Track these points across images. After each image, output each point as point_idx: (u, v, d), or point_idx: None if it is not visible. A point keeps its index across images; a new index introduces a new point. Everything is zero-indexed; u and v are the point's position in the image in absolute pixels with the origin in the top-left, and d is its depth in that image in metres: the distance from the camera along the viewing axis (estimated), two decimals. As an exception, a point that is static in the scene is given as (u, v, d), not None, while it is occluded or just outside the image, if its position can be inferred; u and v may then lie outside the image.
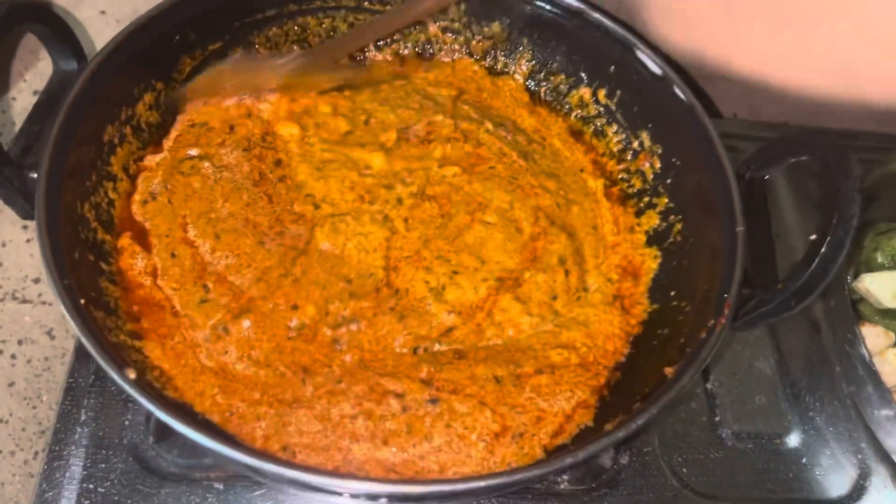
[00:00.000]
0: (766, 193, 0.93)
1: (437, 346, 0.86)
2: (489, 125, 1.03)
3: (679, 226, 0.96)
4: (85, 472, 0.86)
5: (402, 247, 0.92)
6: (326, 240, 0.90)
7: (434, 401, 0.81)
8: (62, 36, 0.91)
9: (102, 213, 0.87)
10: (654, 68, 0.98)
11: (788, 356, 1.06)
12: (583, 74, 1.08)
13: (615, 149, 1.07)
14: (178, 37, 0.96)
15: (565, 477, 0.93)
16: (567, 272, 0.94)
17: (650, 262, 0.97)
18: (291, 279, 0.87)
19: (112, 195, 0.89)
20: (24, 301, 1.17)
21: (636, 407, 0.76)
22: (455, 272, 0.90)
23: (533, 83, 1.13)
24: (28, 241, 1.18)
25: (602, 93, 1.07)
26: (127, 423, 0.90)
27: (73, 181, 0.83)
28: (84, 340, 0.68)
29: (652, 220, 1.00)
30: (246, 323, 0.83)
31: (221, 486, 0.87)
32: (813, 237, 0.78)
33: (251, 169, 0.95)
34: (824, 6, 1.17)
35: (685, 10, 1.29)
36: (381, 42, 1.13)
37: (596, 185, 1.03)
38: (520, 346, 0.89)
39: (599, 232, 1.00)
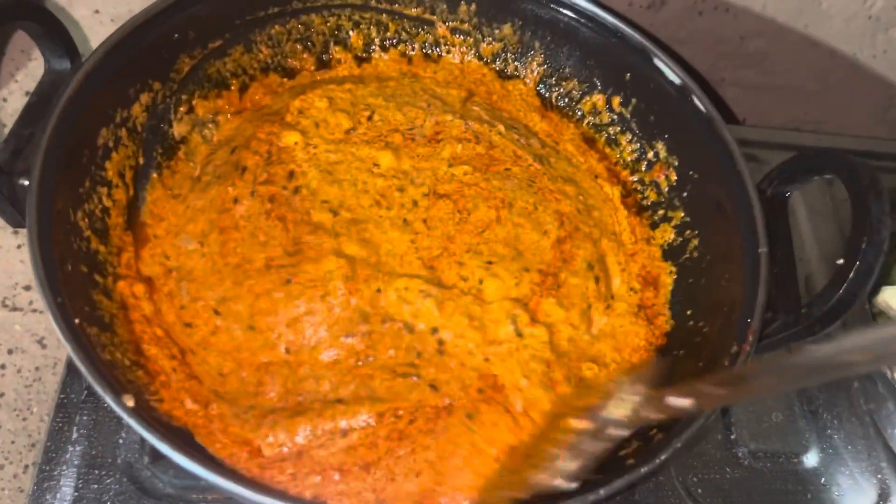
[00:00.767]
0: (787, 211, 0.90)
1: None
2: (501, 127, 1.00)
3: (695, 241, 0.93)
4: (76, 494, 0.83)
5: (430, 246, 0.88)
6: (357, 252, 0.86)
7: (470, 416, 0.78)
8: (55, 34, 0.87)
9: (96, 222, 0.83)
10: (672, 77, 0.94)
11: (805, 372, 1.04)
12: (596, 81, 1.05)
13: (629, 158, 1.04)
14: (176, 35, 0.92)
15: (577, 498, 0.90)
16: (597, 279, 0.90)
17: (665, 276, 0.94)
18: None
19: (106, 202, 0.85)
20: (15, 309, 1.13)
21: (655, 436, 0.73)
22: (490, 262, 0.87)
23: (544, 88, 1.10)
24: (19, 246, 1.14)
25: (616, 100, 1.04)
26: (121, 441, 0.86)
27: (66, 188, 0.78)
28: (80, 366, 0.64)
29: (667, 234, 0.97)
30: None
31: (219, 509, 0.84)
32: (840, 261, 0.76)
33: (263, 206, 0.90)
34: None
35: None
36: (387, 42, 1.09)
37: (613, 191, 1.00)
38: (557, 349, 0.85)
39: (619, 238, 0.97)
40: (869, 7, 1.22)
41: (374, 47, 1.09)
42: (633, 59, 0.98)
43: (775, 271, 0.81)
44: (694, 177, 0.96)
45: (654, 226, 0.99)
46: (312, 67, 1.07)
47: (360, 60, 1.09)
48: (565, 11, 1.01)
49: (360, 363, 0.80)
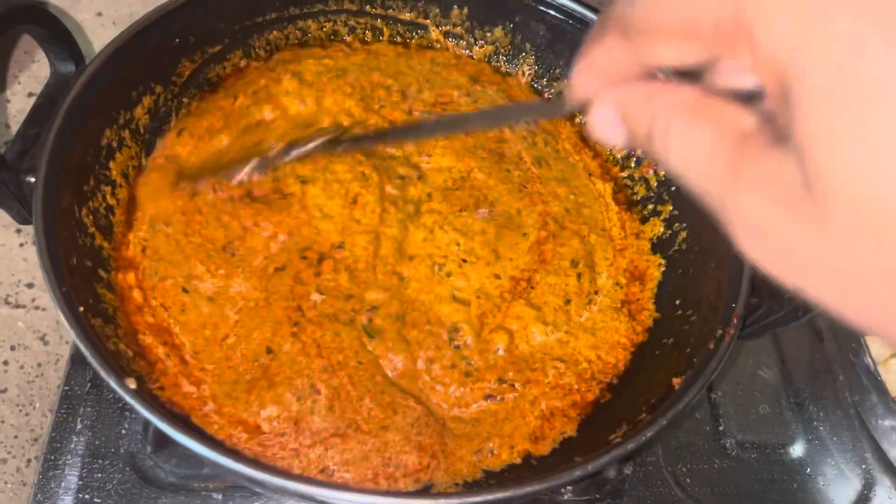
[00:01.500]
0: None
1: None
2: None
3: (684, 234, 0.95)
4: (80, 482, 0.85)
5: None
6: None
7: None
8: (59, 38, 0.89)
9: (100, 219, 0.86)
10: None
11: (792, 365, 1.06)
12: (586, 80, 1.07)
13: (618, 155, 1.06)
14: (177, 40, 0.95)
15: (569, 488, 0.91)
16: (580, 275, 0.93)
17: (654, 269, 0.96)
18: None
19: (110, 200, 0.88)
20: (17, 306, 1.15)
21: (643, 418, 0.75)
22: (464, 260, 0.89)
23: (536, 88, 1.12)
24: (21, 245, 1.16)
25: (605, 99, 1.06)
26: (124, 431, 0.88)
27: (71, 186, 0.81)
28: (83, 349, 0.66)
29: (656, 227, 0.99)
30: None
31: (220, 497, 0.85)
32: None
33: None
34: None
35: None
36: (382, 37, 1.11)
37: (605, 188, 1.02)
38: (521, 355, 0.87)
39: (608, 234, 0.99)
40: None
41: (367, 39, 1.11)
42: (621, 58, 1.00)
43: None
44: (681, 171, 0.97)
45: (643, 220, 1.01)
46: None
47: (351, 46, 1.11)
48: (555, 13, 1.03)
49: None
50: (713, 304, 0.83)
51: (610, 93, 0.41)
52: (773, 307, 0.81)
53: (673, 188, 0.98)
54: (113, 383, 0.65)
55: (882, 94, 0.28)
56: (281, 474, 0.66)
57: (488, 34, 1.10)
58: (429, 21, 1.10)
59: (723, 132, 0.35)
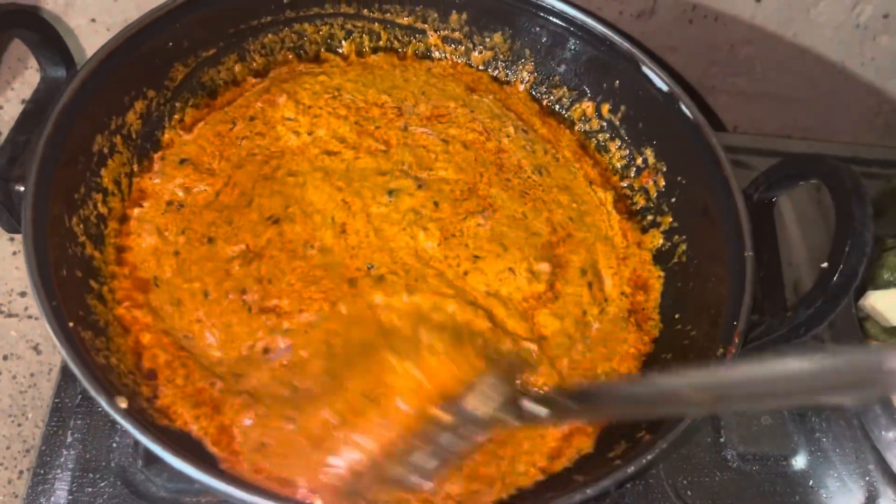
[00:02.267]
0: (773, 216, 0.91)
1: None
2: (510, 129, 1.01)
3: (683, 246, 0.94)
4: (70, 497, 0.83)
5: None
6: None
7: None
8: (51, 42, 0.88)
9: (91, 228, 0.84)
10: (660, 84, 0.96)
11: (794, 376, 1.04)
12: (586, 88, 1.06)
13: (618, 164, 1.04)
14: (170, 44, 0.93)
15: (568, 501, 0.90)
16: (590, 284, 0.91)
17: (654, 281, 0.95)
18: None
19: (102, 209, 0.86)
20: (10, 315, 1.14)
21: (643, 437, 0.73)
22: (476, 256, 0.88)
23: (535, 95, 1.11)
24: (14, 253, 1.14)
25: (606, 107, 1.05)
26: (115, 445, 0.87)
27: (61, 194, 0.79)
28: (74, 369, 0.65)
29: (656, 239, 0.98)
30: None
31: (213, 512, 0.84)
32: (824, 265, 0.76)
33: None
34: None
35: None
36: (380, 50, 1.10)
37: (606, 196, 1.01)
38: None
39: (612, 242, 0.97)
40: (857, 16, 1.23)
41: (365, 51, 1.10)
42: (621, 66, 0.99)
43: (761, 275, 0.82)
44: (682, 182, 0.97)
45: (643, 230, 1.00)
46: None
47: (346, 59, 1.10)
48: (555, 20, 1.02)
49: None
50: (714, 320, 0.82)
51: None
52: (774, 324, 0.80)
53: (673, 199, 0.97)
54: (104, 403, 0.64)
55: None
56: (273, 497, 0.64)
57: (487, 40, 1.08)
58: (427, 26, 1.08)
59: None
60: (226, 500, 0.82)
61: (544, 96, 1.10)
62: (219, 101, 1.00)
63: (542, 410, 0.64)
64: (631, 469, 0.66)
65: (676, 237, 0.96)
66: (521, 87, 1.10)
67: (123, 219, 0.88)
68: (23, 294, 1.15)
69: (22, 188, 0.75)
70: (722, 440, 0.99)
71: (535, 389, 0.81)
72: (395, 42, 1.10)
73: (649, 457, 0.67)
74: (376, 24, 1.08)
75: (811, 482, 0.98)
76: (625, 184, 1.03)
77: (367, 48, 1.10)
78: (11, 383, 1.13)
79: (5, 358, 1.13)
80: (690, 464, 0.97)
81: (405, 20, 1.08)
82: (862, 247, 0.72)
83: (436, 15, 1.07)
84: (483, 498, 0.74)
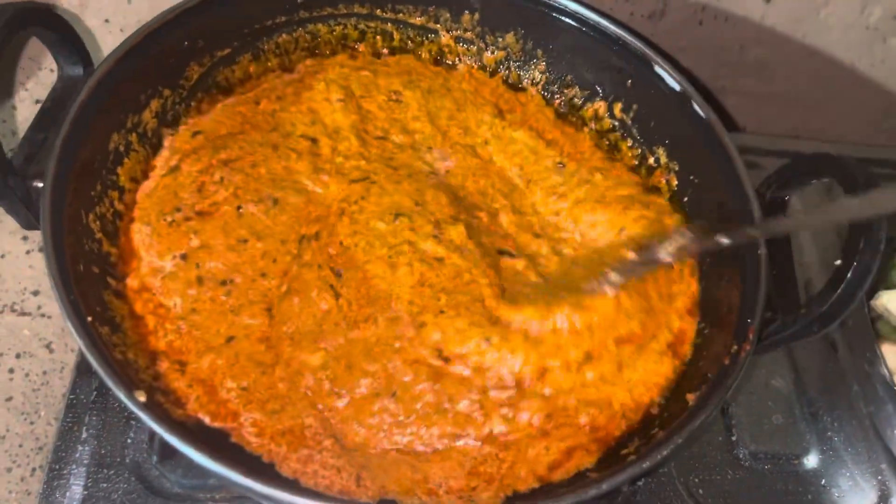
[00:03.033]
0: (786, 214, 0.91)
1: None
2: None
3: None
4: (85, 493, 0.84)
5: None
6: None
7: None
8: (68, 41, 0.89)
9: (108, 225, 0.85)
10: (673, 84, 0.96)
11: (805, 375, 1.05)
12: (598, 88, 1.06)
13: (630, 164, 1.04)
14: (186, 43, 0.94)
15: (581, 500, 0.90)
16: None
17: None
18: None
19: (118, 206, 0.87)
20: (23, 314, 1.14)
21: (656, 434, 0.73)
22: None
23: (546, 95, 1.11)
24: (27, 252, 1.15)
25: (618, 107, 1.05)
26: (129, 441, 0.87)
27: (79, 190, 0.80)
28: (93, 361, 0.65)
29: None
30: None
31: (227, 508, 0.84)
32: (838, 262, 0.76)
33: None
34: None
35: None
36: (395, 51, 1.11)
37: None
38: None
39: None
40: (867, 17, 1.23)
41: (382, 52, 1.11)
42: (634, 66, 1.00)
43: (774, 273, 0.82)
44: (694, 181, 0.97)
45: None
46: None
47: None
48: (567, 20, 1.02)
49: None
50: (727, 318, 0.82)
51: None
52: (787, 321, 0.80)
53: (686, 199, 0.97)
54: (122, 396, 0.64)
55: None
56: (293, 490, 0.64)
57: (500, 40, 1.09)
58: (439, 26, 1.09)
59: None
60: (239, 494, 0.84)
61: (556, 96, 1.10)
62: (237, 90, 1.02)
63: (726, 239, 0.80)
64: (646, 464, 0.66)
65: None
66: (534, 91, 1.10)
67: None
68: (35, 293, 1.15)
69: (40, 184, 0.76)
70: (734, 439, 0.99)
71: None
72: (409, 42, 1.10)
73: (665, 452, 0.67)
74: (389, 24, 1.08)
75: (823, 481, 0.98)
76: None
77: (382, 50, 1.10)
78: (24, 381, 1.13)
79: (18, 356, 1.13)
80: (702, 462, 0.97)
81: (418, 20, 1.08)
82: (876, 244, 0.72)
83: (448, 15, 1.07)
84: (481, 494, 0.74)
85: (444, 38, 1.09)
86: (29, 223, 0.81)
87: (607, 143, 1.07)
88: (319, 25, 1.06)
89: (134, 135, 0.90)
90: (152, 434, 0.87)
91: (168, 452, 0.86)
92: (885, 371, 0.96)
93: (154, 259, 0.84)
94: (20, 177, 0.79)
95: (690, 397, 0.75)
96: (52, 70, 1.01)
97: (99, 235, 0.83)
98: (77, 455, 0.86)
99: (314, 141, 0.95)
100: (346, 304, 0.84)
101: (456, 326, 0.82)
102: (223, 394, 0.78)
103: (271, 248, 0.87)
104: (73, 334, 0.67)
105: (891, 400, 0.96)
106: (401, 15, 1.08)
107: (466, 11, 1.07)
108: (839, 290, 0.75)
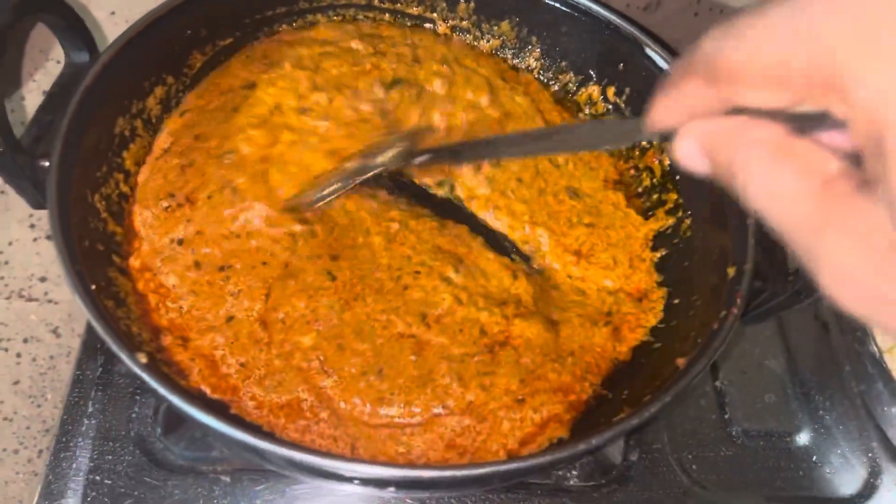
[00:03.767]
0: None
1: None
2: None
3: (688, 221, 0.96)
4: (91, 464, 0.86)
5: None
6: None
7: None
8: (75, 28, 0.91)
9: (113, 206, 0.87)
10: (664, 65, 0.98)
11: (798, 354, 1.06)
12: (592, 72, 1.08)
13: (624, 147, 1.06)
14: (189, 31, 0.97)
15: (574, 472, 0.92)
16: None
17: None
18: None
19: (124, 188, 0.89)
20: (31, 299, 1.17)
21: (647, 399, 0.75)
22: None
23: (543, 81, 1.13)
24: (35, 239, 1.17)
25: (611, 91, 1.07)
26: (134, 415, 0.90)
27: (84, 171, 0.82)
28: (95, 323, 0.67)
29: (661, 217, 0.99)
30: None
31: (228, 479, 0.86)
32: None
33: None
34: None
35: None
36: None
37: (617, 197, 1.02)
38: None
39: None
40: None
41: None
42: (626, 49, 1.01)
43: (764, 244, 0.83)
44: (684, 160, 0.98)
45: (648, 210, 1.01)
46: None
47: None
48: (561, 6, 1.04)
49: None
50: (717, 288, 0.83)
51: (694, 125, 0.42)
52: (777, 290, 0.82)
53: (677, 177, 0.99)
54: (124, 356, 0.66)
55: None
56: (300, 449, 0.66)
57: (495, 28, 1.11)
58: (436, 15, 1.11)
59: (808, 175, 0.36)
60: (243, 465, 0.86)
61: (551, 83, 1.12)
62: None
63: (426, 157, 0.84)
64: (634, 421, 0.68)
65: (681, 213, 0.97)
66: (531, 78, 1.13)
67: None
68: (43, 279, 1.17)
69: (47, 163, 0.78)
70: (727, 416, 1.00)
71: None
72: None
73: (652, 409, 0.69)
74: (387, 14, 1.11)
75: (815, 458, 0.99)
76: (629, 164, 1.05)
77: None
78: (31, 365, 1.15)
79: (25, 341, 1.16)
80: (696, 439, 0.98)
81: (415, 10, 1.10)
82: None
83: (444, 4, 1.09)
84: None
85: (441, 28, 1.12)
86: (37, 202, 0.83)
87: (601, 127, 1.08)
88: (319, 15, 1.08)
89: (139, 120, 0.92)
90: (156, 408, 0.89)
91: (172, 425, 0.88)
92: (875, 349, 0.97)
93: (154, 241, 0.87)
94: (28, 156, 0.81)
95: (681, 362, 0.77)
96: (59, 62, 1.03)
97: (104, 215, 0.85)
98: (83, 429, 0.88)
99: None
100: (341, 286, 0.86)
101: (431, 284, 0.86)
102: (224, 369, 0.81)
103: (264, 244, 0.87)
104: (77, 300, 0.69)
105: (881, 378, 0.97)
106: (398, 5, 1.10)
107: (462, 0, 1.09)
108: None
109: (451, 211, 0.97)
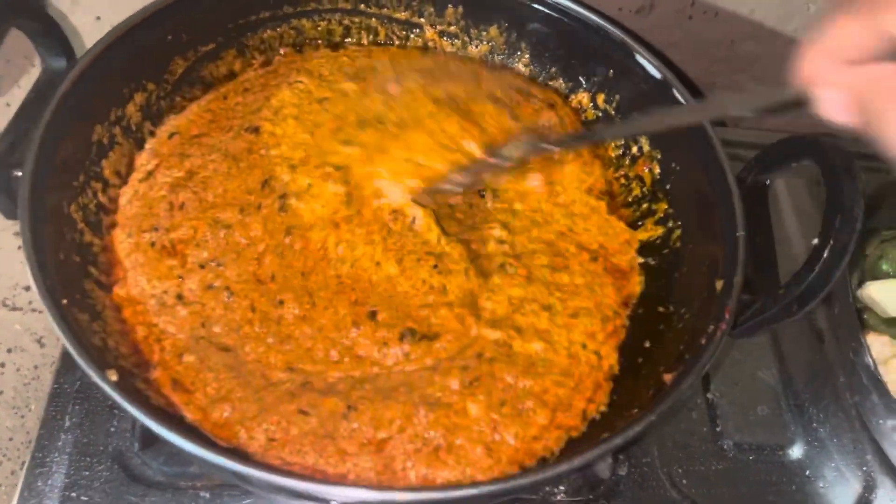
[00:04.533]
0: (767, 198, 0.91)
1: None
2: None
3: (678, 232, 0.94)
4: (68, 480, 0.84)
5: None
6: None
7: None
8: (52, 34, 0.89)
9: (90, 216, 0.85)
10: (653, 72, 0.96)
11: (791, 366, 1.05)
12: (581, 79, 1.07)
13: (613, 154, 1.05)
14: (169, 37, 0.95)
15: (562, 488, 0.90)
16: None
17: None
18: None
19: (102, 198, 0.87)
20: (15, 308, 1.15)
21: (633, 414, 0.74)
22: None
23: (531, 86, 1.11)
24: (19, 248, 1.15)
25: (601, 98, 1.06)
26: (112, 429, 0.88)
27: (60, 180, 0.81)
28: (62, 338, 0.66)
29: (650, 228, 0.98)
30: None
31: (208, 495, 0.85)
32: (815, 241, 0.76)
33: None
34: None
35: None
36: (377, 37, 1.11)
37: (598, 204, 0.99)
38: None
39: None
40: (855, 11, 1.23)
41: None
42: (615, 55, 1.00)
43: (755, 257, 0.82)
44: (676, 168, 0.97)
45: (638, 220, 0.99)
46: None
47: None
48: (550, 12, 1.02)
49: None
50: (706, 301, 0.82)
51: (842, 75, 0.40)
52: (767, 303, 0.80)
53: (668, 186, 0.97)
54: (93, 375, 0.64)
55: None
56: (271, 470, 0.64)
57: (484, 33, 1.09)
58: (423, 20, 1.09)
59: None
60: (222, 482, 0.85)
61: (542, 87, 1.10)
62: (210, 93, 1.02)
63: (553, 147, 0.90)
64: (618, 441, 0.66)
65: (671, 223, 0.95)
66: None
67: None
68: (27, 288, 1.16)
69: (20, 173, 0.77)
70: (718, 429, 0.99)
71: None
72: (394, 37, 1.11)
73: (637, 428, 0.67)
74: (374, 19, 1.09)
75: (808, 472, 0.98)
76: (619, 173, 1.03)
77: (366, 45, 1.11)
78: (15, 376, 1.14)
79: (9, 351, 1.14)
80: (686, 453, 0.97)
81: (402, 15, 1.09)
82: (852, 222, 0.72)
83: (432, 9, 1.08)
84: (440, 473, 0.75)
85: (429, 33, 1.10)
86: (11, 212, 0.81)
87: (591, 134, 1.07)
88: (304, 21, 1.07)
89: (118, 128, 0.91)
90: (135, 422, 0.88)
91: (150, 440, 0.87)
92: (871, 361, 0.95)
93: (142, 281, 0.83)
94: (2, 165, 0.80)
95: (668, 377, 0.75)
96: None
97: (81, 225, 0.83)
98: (59, 444, 0.86)
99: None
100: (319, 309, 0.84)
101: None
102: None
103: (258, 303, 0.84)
104: (47, 314, 0.68)
105: (876, 390, 0.95)
106: (385, 10, 1.08)
107: (450, 5, 1.07)
108: (816, 270, 0.74)
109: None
